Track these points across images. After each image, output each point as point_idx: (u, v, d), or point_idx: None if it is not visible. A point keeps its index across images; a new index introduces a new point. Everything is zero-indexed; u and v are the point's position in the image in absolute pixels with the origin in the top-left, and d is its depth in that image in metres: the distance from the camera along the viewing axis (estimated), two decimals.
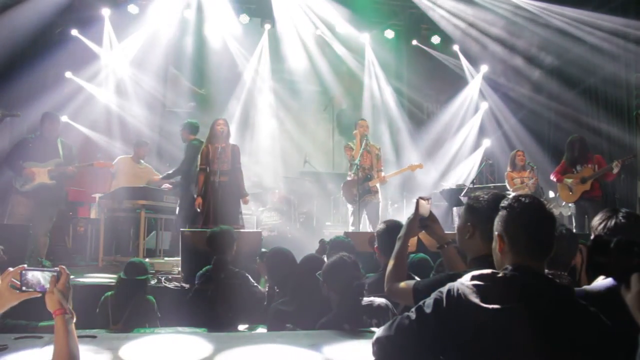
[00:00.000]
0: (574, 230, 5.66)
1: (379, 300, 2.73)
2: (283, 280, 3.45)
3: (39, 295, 1.65)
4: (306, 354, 2.14)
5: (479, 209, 1.98)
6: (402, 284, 2.11)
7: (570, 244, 2.51)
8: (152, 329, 3.47)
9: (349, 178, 6.89)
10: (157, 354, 2.27)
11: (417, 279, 2.33)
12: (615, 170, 6.26)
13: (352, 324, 2.55)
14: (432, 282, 1.98)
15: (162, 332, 3.26)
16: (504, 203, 1.63)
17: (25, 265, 1.68)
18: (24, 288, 1.65)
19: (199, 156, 6.23)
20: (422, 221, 2.26)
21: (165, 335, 2.77)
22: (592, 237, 2.06)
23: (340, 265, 2.72)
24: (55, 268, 1.66)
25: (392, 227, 3.10)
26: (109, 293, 3.78)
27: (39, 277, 1.65)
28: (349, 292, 2.66)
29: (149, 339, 2.48)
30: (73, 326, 1.59)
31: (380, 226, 3.24)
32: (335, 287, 2.68)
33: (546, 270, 2.21)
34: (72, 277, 1.66)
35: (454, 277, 1.84)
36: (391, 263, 2.24)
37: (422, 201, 2.28)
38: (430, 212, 2.29)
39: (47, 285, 1.63)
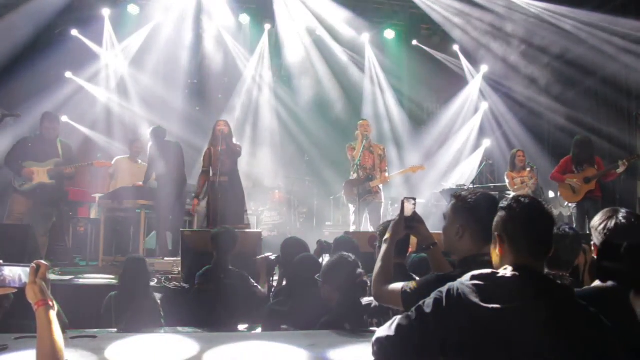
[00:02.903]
0: None
1: None
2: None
3: (15, 290, 1.64)
4: (306, 354, 2.14)
5: (468, 209, 1.97)
6: (390, 287, 2.08)
7: (574, 244, 2.50)
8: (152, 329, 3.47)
9: (351, 178, 6.89)
10: (154, 353, 2.27)
11: (418, 278, 2.33)
12: (621, 170, 6.26)
13: (352, 324, 2.55)
14: (421, 284, 1.96)
15: (161, 332, 3.26)
16: (503, 204, 1.63)
17: (1, 261, 1.67)
18: None
19: (202, 158, 6.27)
20: (408, 222, 2.24)
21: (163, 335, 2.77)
22: (594, 238, 2.07)
23: (341, 264, 2.72)
24: (30, 264, 1.64)
25: None
26: (113, 293, 3.77)
27: (18, 272, 1.64)
28: (351, 290, 2.66)
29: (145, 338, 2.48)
30: (55, 317, 1.58)
31: (381, 226, 3.23)
32: (337, 286, 2.68)
33: (547, 271, 2.21)
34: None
35: (442, 278, 1.85)
36: (377, 266, 2.21)
37: (406, 202, 2.26)
38: (415, 213, 2.26)
39: (26, 280, 1.62)
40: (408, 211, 2.25)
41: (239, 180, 6.27)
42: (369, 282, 2.80)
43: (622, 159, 6.34)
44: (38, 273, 1.61)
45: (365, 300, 2.72)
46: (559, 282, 2.04)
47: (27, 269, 1.63)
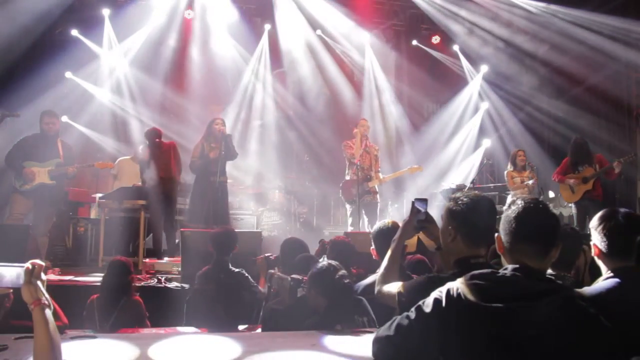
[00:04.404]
0: None
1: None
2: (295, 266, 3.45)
3: (11, 290, 1.64)
4: (307, 354, 2.14)
5: (459, 212, 1.98)
6: (388, 287, 2.12)
7: (574, 244, 2.51)
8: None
9: (347, 177, 6.90)
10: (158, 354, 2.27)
11: (415, 277, 2.34)
12: (617, 170, 6.27)
13: (344, 325, 2.56)
14: (413, 286, 2.00)
15: (162, 332, 3.25)
16: (506, 205, 1.64)
17: None
18: None
19: (193, 149, 6.29)
20: (419, 222, 2.26)
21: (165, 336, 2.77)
22: (593, 238, 2.07)
23: (326, 269, 2.73)
24: (26, 263, 1.64)
25: (388, 228, 3.11)
26: (95, 297, 3.75)
27: (14, 272, 1.64)
28: (335, 295, 2.67)
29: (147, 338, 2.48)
30: (51, 316, 1.58)
31: (375, 227, 3.24)
32: (323, 291, 2.69)
33: (550, 271, 2.22)
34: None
35: (433, 279, 1.89)
36: (383, 265, 2.25)
37: (417, 203, 2.28)
38: (427, 213, 2.28)
39: (22, 280, 1.62)
40: (419, 212, 2.27)
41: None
42: (362, 287, 2.86)
43: (618, 159, 6.35)
44: (33, 273, 1.61)
45: (354, 299, 2.73)
46: (560, 282, 2.05)
47: (23, 269, 1.62)
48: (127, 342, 2.26)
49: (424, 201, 2.29)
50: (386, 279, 2.18)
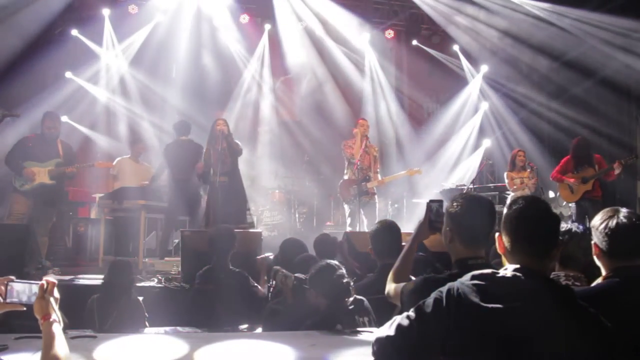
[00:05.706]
0: None
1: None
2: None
3: (24, 308, 1.67)
4: (307, 354, 2.14)
5: (454, 214, 2.01)
6: (396, 286, 2.16)
7: (586, 242, 2.50)
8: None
9: (345, 177, 6.90)
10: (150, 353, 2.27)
11: (413, 278, 2.36)
12: (617, 171, 6.27)
13: (344, 325, 2.56)
14: (411, 286, 2.05)
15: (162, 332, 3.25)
16: (507, 204, 1.64)
17: (14, 278, 1.69)
18: (8, 300, 1.68)
19: (202, 158, 6.27)
20: (434, 223, 2.28)
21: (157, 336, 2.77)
22: (594, 238, 2.07)
23: (325, 269, 2.74)
24: (40, 281, 1.68)
25: (385, 229, 3.11)
26: (95, 296, 3.76)
27: (28, 288, 1.67)
28: (336, 294, 2.68)
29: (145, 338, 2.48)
30: (61, 331, 1.61)
31: (372, 228, 3.25)
32: (322, 291, 2.70)
33: (564, 272, 2.23)
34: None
35: (429, 280, 1.94)
36: (395, 265, 2.30)
37: (431, 204, 2.30)
38: (442, 214, 2.30)
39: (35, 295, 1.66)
40: (433, 213, 2.29)
41: (239, 179, 6.28)
42: (360, 287, 2.87)
43: (619, 159, 6.34)
44: (47, 289, 1.65)
45: (354, 299, 2.74)
46: (578, 284, 2.05)
47: (37, 286, 1.67)
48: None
49: (439, 202, 2.32)
50: (396, 278, 2.22)
